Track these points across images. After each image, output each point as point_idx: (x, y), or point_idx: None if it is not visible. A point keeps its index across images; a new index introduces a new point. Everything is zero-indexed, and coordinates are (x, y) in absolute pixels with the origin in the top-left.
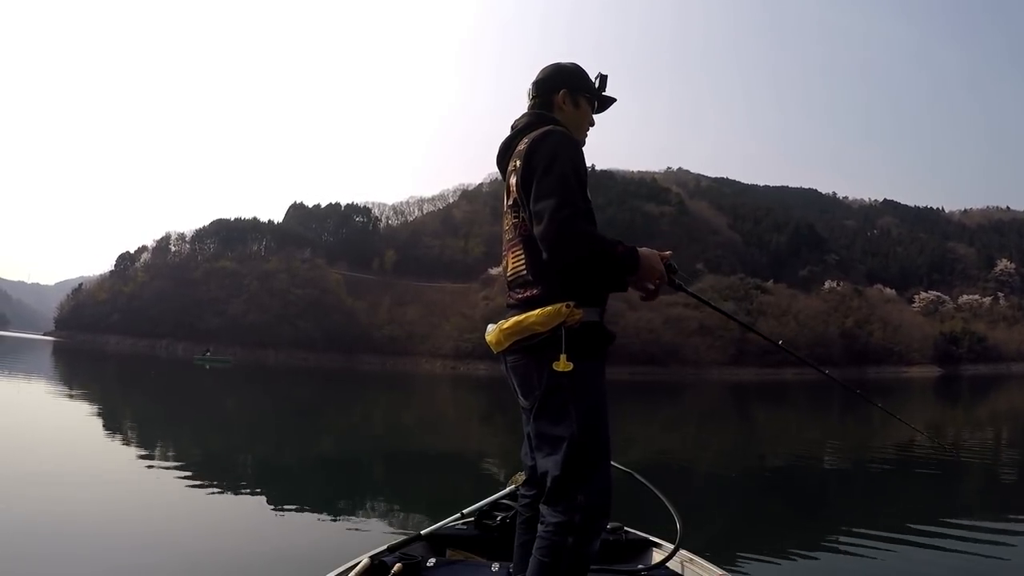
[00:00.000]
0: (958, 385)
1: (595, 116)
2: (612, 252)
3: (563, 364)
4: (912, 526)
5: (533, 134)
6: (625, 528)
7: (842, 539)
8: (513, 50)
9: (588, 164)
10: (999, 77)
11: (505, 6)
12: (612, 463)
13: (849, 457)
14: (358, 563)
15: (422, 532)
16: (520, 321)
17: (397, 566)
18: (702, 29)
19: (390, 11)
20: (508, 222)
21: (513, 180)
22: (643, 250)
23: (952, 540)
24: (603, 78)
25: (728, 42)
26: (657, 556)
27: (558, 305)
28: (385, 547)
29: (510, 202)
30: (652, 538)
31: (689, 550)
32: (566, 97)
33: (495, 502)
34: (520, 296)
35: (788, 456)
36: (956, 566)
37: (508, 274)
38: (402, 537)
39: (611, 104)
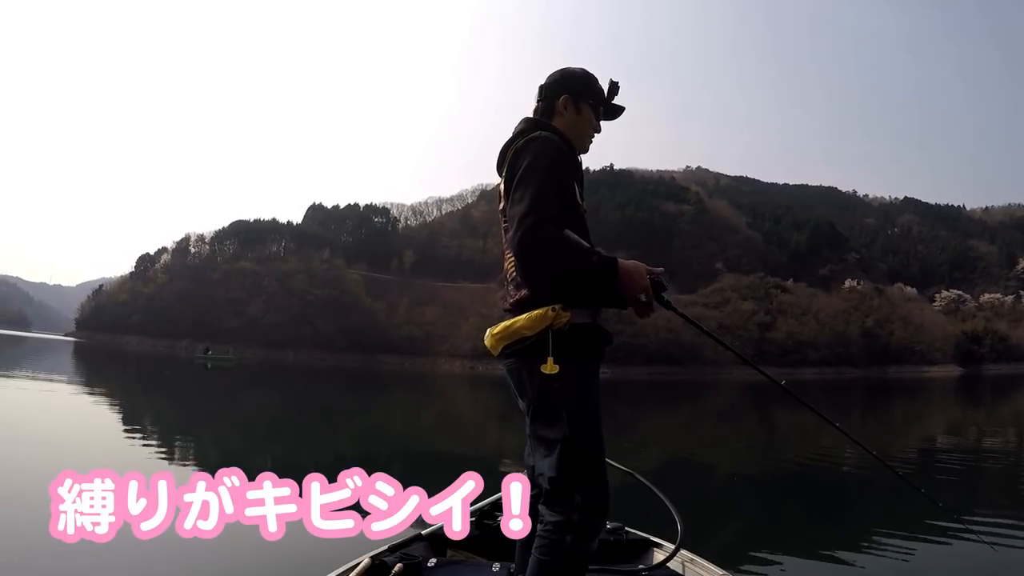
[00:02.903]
0: (979, 385)
1: (608, 123)
2: (585, 261)
3: (550, 366)
4: (922, 530)
5: (519, 141)
6: (626, 528)
7: (849, 542)
8: (517, 46)
9: (606, 163)
10: (1018, 71)
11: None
12: (612, 463)
13: (864, 459)
14: (359, 563)
15: (423, 532)
16: (508, 326)
17: (398, 566)
18: (718, 26)
19: (396, 9)
20: (502, 225)
21: (503, 186)
22: (627, 263)
23: (964, 545)
24: (613, 86)
25: (745, 39)
26: (658, 556)
27: (544, 309)
28: (386, 547)
29: (501, 207)
30: (653, 538)
31: (690, 550)
32: (567, 103)
33: (496, 502)
34: (513, 298)
35: (800, 457)
36: (967, 569)
37: (507, 276)
38: (403, 537)
39: (620, 113)
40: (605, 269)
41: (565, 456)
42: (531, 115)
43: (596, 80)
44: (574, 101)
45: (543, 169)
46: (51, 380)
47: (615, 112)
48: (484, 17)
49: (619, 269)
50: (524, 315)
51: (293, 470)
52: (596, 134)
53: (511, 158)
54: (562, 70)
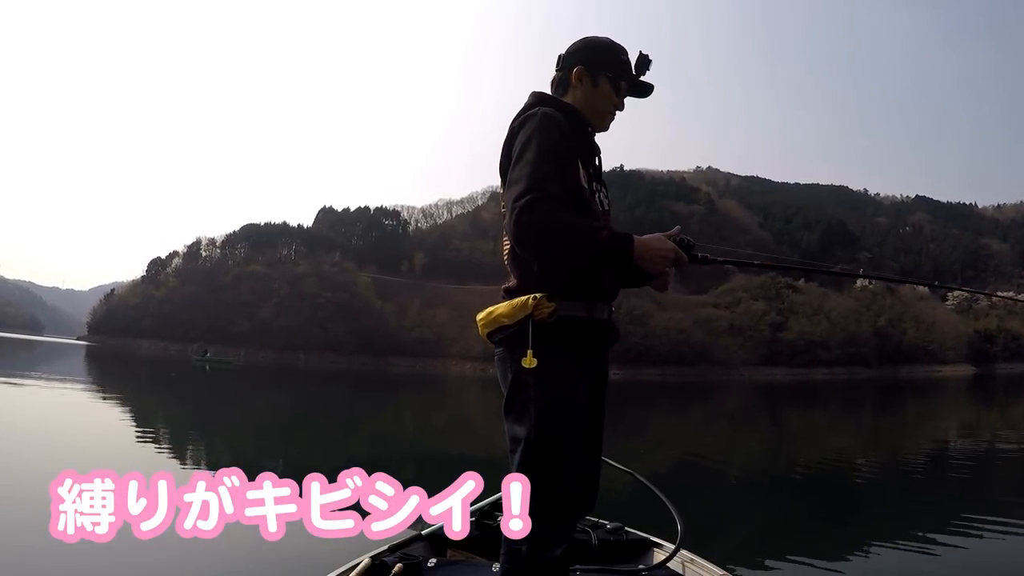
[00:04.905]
0: (993, 384)
1: (615, 123)
2: (593, 239)
3: (528, 360)
4: (929, 534)
5: (517, 119)
6: (625, 528)
7: (853, 545)
8: (520, 47)
9: (616, 164)
10: None
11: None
12: (612, 463)
13: (875, 460)
14: (359, 563)
15: (423, 532)
16: (490, 312)
17: (398, 566)
18: (721, 25)
19: (401, 12)
20: (502, 211)
21: (500, 169)
22: (644, 237)
23: (974, 549)
24: (642, 59)
25: (755, 37)
26: (658, 556)
27: (525, 297)
28: (386, 547)
29: (502, 190)
30: (653, 538)
31: (690, 550)
32: (582, 74)
33: (496, 502)
34: (504, 285)
35: (808, 460)
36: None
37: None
38: (403, 537)
39: (649, 91)
40: (618, 246)
41: (525, 457)
42: (550, 85)
43: (621, 52)
44: (590, 73)
45: (539, 146)
46: (59, 382)
47: (644, 90)
48: (487, 18)
49: (635, 243)
50: (507, 302)
51: (296, 471)
52: (617, 111)
53: (507, 138)
54: (584, 39)
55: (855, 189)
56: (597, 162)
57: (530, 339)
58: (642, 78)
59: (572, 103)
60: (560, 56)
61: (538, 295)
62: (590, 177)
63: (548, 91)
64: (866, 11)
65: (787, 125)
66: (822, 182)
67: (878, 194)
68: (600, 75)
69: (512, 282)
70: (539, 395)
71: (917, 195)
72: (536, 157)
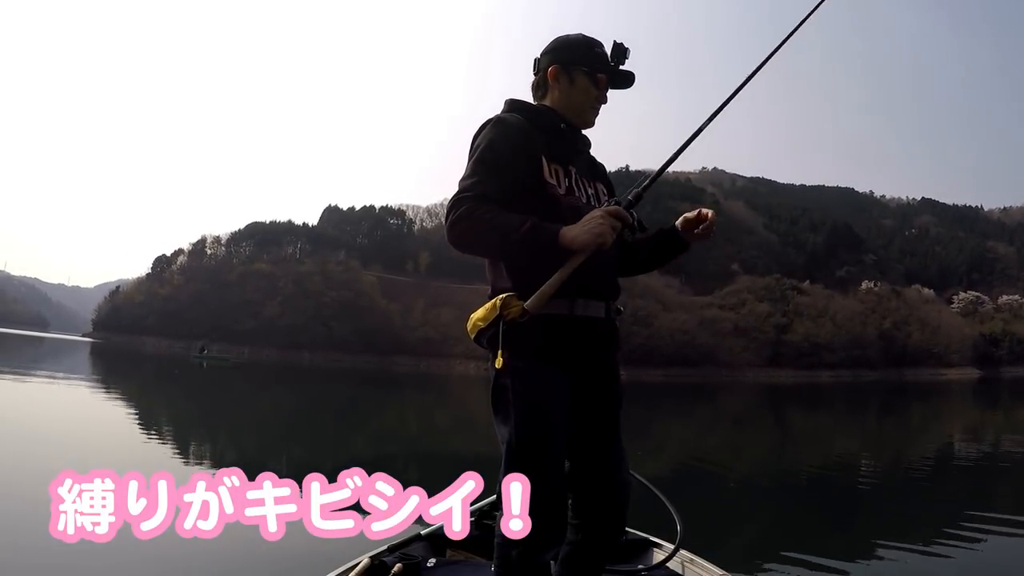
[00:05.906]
0: (998, 387)
1: (619, 121)
2: (514, 231)
3: (497, 361)
4: (932, 536)
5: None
6: (625, 528)
7: (855, 547)
8: (525, 51)
9: (621, 164)
10: None
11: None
12: None
13: (878, 463)
14: (358, 563)
15: (422, 532)
16: (471, 317)
17: (397, 566)
18: (730, 24)
19: (408, 14)
20: None
21: None
22: (575, 225)
23: (975, 554)
24: (618, 48)
25: (761, 38)
26: (658, 556)
27: (495, 298)
28: (385, 547)
29: None
30: (652, 538)
31: (690, 550)
32: (556, 73)
33: (496, 502)
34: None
35: (811, 461)
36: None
37: None
38: (403, 537)
39: (630, 81)
40: (539, 236)
41: (508, 460)
42: (531, 90)
43: (596, 45)
44: (565, 70)
45: (480, 152)
46: (63, 379)
47: (625, 79)
48: (493, 19)
49: (560, 230)
50: (483, 305)
51: (297, 471)
52: (600, 104)
53: (470, 146)
54: (556, 38)
55: (861, 191)
56: (583, 159)
57: (500, 340)
58: (622, 67)
59: (550, 103)
60: (535, 60)
61: (505, 295)
62: (567, 174)
63: (531, 96)
64: (872, 12)
65: (793, 126)
66: (828, 184)
67: (884, 196)
68: (575, 70)
69: (489, 285)
70: (516, 396)
71: (923, 197)
72: (472, 162)
